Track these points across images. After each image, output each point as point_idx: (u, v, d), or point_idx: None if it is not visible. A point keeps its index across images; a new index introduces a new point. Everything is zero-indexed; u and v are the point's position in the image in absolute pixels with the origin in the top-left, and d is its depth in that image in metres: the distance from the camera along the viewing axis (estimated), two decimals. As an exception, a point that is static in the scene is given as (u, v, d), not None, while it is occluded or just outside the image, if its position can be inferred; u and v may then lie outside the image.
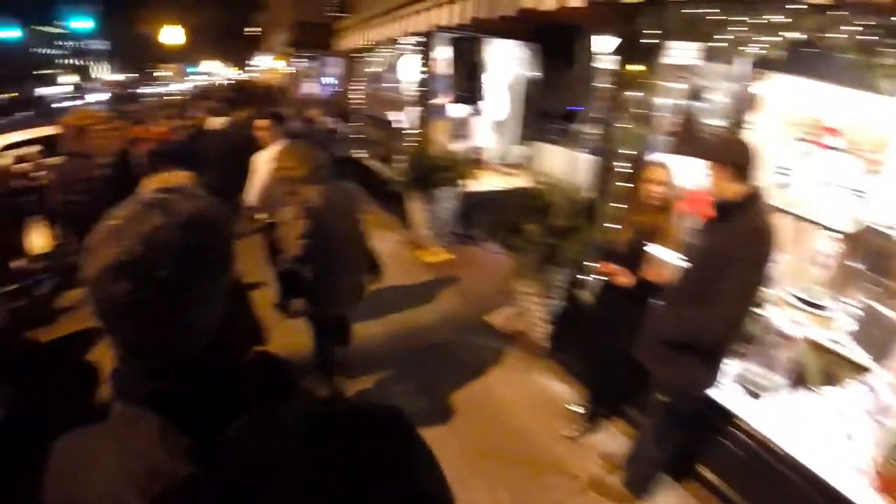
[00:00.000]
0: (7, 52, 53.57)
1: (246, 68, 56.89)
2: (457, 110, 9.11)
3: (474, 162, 7.10)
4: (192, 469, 0.70)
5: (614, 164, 4.09)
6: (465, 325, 5.51)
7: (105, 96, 51.22)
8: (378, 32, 7.24)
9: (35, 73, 61.72)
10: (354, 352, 4.54)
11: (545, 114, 5.00)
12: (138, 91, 47.99)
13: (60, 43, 71.44)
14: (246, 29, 50.51)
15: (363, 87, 10.23)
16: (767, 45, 3.06)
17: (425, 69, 6.96)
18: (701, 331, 2.67)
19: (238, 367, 0.80)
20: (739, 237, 2.53)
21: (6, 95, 47.33)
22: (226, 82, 43.04)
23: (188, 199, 0.75)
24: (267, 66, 35.98)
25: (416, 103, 7.44)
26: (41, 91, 56.98)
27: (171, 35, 27.55)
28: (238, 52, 58.86)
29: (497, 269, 6.58)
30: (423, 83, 7.01)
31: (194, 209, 0.74)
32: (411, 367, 4.80)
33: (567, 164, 9.53)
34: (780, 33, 2.94)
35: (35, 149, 9.33)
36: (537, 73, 9.76)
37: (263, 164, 4.65)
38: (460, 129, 9.58)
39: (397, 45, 8.00)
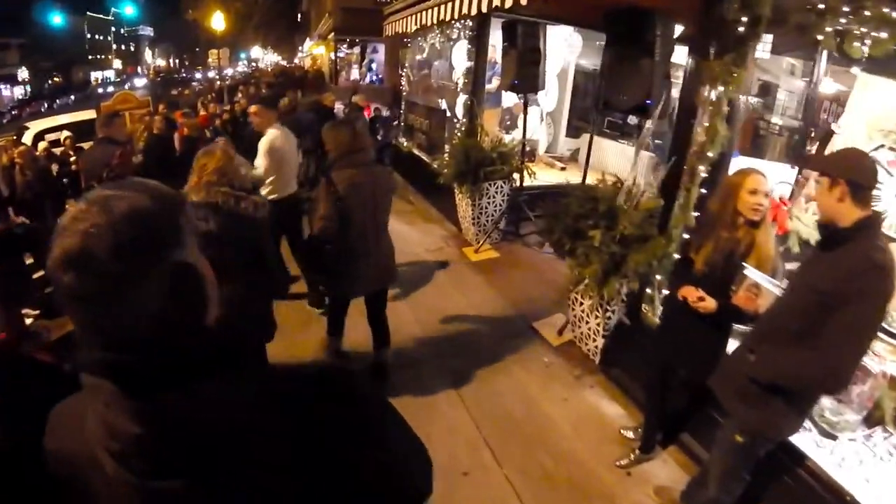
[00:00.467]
0: (67, 38, 55.13)
1: (291, 54, 57.39)
2: (509, 99, 8.69)
3: (526, 154, 6.60)
4: (139, 430, 0.78)
5: (693, 166, 3.63)
6: (510, 331, 5.12)
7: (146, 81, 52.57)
8: (428, 16, 6.86)
9: (90, 58, 63.94)
10: (391, 351, 4.33)
11: (605, 105, 4.50)
12: (185, 76, 48.74)
13: (114, 29, 73.65)
14: (296, 15, 50.98)
15: (411, 74, 9.81)
16: (873, 42, 2.61)
17: (478, 55, 6.54)
18: (801, 376, 2.28)
19: (188, 341, 0.85)
20: (854, 271, 2.07)
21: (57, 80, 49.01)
22: (269, 68, 43.45)
23: (131, 195, 0.82)
24: (312, 52, 36.00)
25: (467, 91, 7.03)
26: (95, 75, 58.84)
27: (218, 21, 27.61)
28: (285, 38, 59.46)
29: (547, 271, 6.19)
30: (475, 70, 6.59)
31: (132, 205, 0.80)
32: (448, 374, 4.43)
33: (623, 162, 9.06)
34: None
35: (65, 134, 9.43)
36: (593, 62, 9.35)
37: (262, 146, 4.94)
38: (508, 118, 9.16)
39: (449, 30, 7.61)
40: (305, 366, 1.07)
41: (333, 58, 24.61)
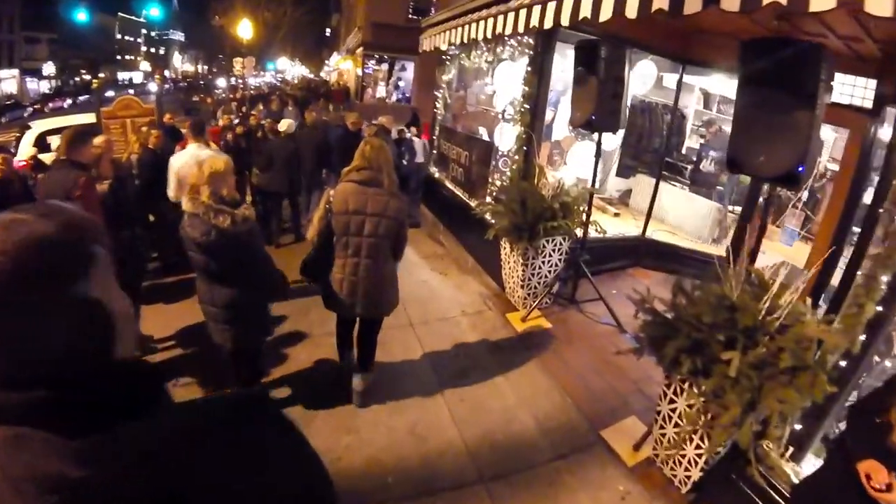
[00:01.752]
0: (96, 37, 55.60)
1: (318, 68, 57.16)
2: (558, 131, 7.57)
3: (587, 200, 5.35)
4: (82, 473, 0.73)
5: (875, 273, 2.51)
6: (572, 442, 3.89)
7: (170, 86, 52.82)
8: (478, 29, 5.79)
9: (119, 58, 64.52)
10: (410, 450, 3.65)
11: (733, 165, 3.33)
12: (209, 83, 48.46)
13: (144, 32, 74.43)
14: (324, 29, 50.75)
15: (447, 96, 8.60)
16: None
17: (540, 80, 5.39)
18: None
19: (101, 375, 0.83)
20: None
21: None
22: (296, 80, 42.97)
23: (35, 221, 0.79)
24: (339, 66, 35.38)
25: (516, 121, 5.85)
26: (123, 76, 59.09)
27: (245, 29, 27.00)
28: (312, 51, 59.31)
29: (608, 350, 4.97)
30: (536, 98, 5.42)
31: (32, 232, 0.77)
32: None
33: (682, 209, 7.88)
34: None
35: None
36: (653, 95, 8.20)
37: (176, 161, 5.27)
38: (556, 152, 8.02)
39: (500, 48, 6.49)
40: (219, 398, 1.07)
41: (360, 73, 23.70)
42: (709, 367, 2.91)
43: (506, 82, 8.11)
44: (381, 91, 23.90)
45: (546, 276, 5.41)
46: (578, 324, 5.47)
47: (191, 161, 5.09)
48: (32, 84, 44.42)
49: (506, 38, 6.06)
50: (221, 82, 42.52)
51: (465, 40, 6.19)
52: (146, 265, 5.72)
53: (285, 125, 7.97)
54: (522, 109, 5.59)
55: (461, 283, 6.44)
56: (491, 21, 5.41)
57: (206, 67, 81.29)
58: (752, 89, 3.07)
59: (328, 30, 49.66)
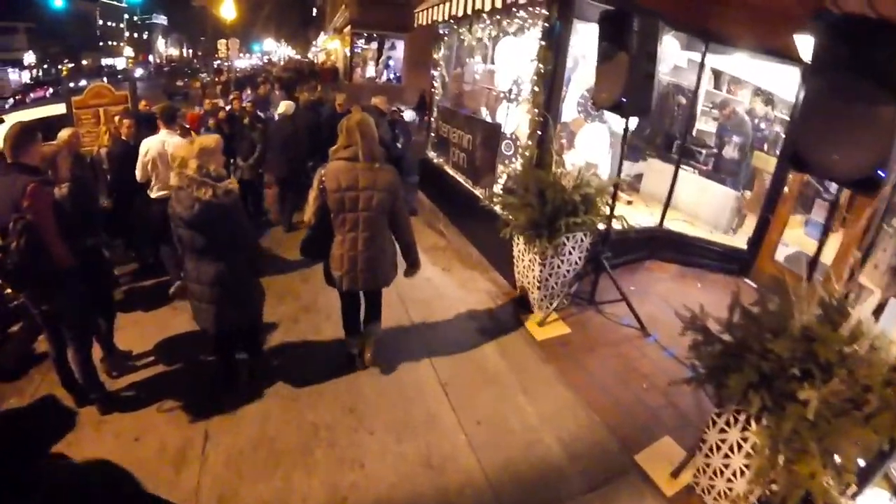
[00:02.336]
0: (76, 23, 54.02)
1: (305, 49, 55.84)
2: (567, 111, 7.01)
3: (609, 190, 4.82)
4: None
5: None
6: (604, 468, 3.44)
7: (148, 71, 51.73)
8: (476, 1, 5.26)
9: (101, 44, 62.81)
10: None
11: (798, 162, 2.83)
12: (196, 67, 47.13)
13: (126, 17, 72.53)
14: (309, 9, 49.36)
15: (445, 74, 7.94)
16: None
17: (557, 55, 4.83)
18: None
19: None
20: None
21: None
22: (282, 62, 41.84)
23: None
24: (326, 46, 34.38)
25: (530, 102, 5.29)
26: (106, 62, 57.55)
27: (228, 9, 26.01)
28: (298, 31, 57.81)
29: (634, 356, 4.55)
30: (552, 76, 4.85)
31: None
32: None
33: (696, 196, 7.36)
34: None
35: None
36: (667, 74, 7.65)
37: (144, 146, 5.11)
38: (564, 136, 7.47)
39: (501, 20, 5.92)
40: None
41: (348, 53, 22.88)
42: (779, 402, 2.43)
43: (509, 59, 7.56)
44: (370, 71, 23.11)
45: (565, 276, 4.92)
46: (599, 327, 5.00)
47: (159, 146, 5.02)
48: (14, 75, 43.20)
49: (514, 10, 5.49)
50: (215, 65, 41.31)
51: (470, 12, 5.64)
52: (115, 275, 5.26)
53: (283, 107, 7.72)
54: (536, 89, 5.04)
55: (466, 279, 5.95)
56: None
57: (190, 51, 79.42)
58: (828, 76, 2.56)
59: (314, 10, 48.30)
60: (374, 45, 22.89)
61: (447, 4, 6.14)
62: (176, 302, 5.20)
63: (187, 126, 7.08)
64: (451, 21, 6.67)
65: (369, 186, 3.53)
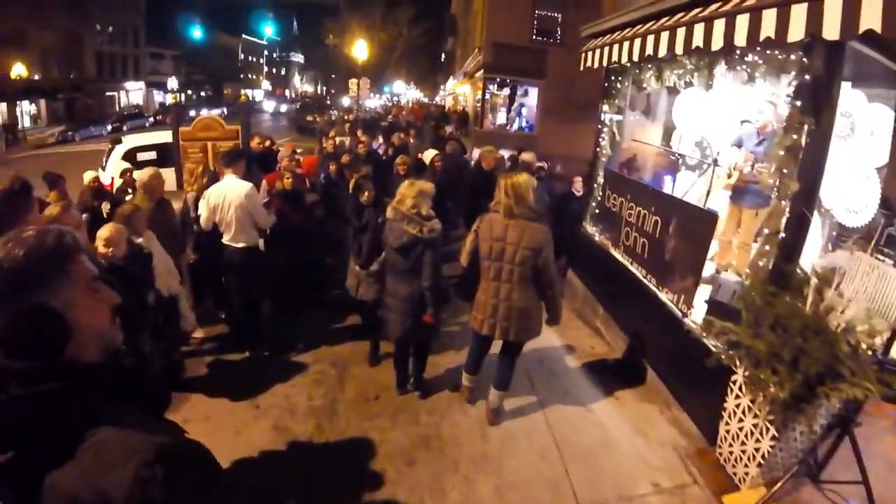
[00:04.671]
0: (219, 55, 59.90)
1: (433, 92, 56.74)
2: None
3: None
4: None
5: None
6: None
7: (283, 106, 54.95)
8: (680, 37, 3.81)
9: (242, 76, 68.42)
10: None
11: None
12: (323, 104, 48.78)
13: (266, 53, 79.32)
14: (439, 54, 50.05)
15: (615, 129, 6.22)
16: None
17: (820, 112, 3.10)
18: None
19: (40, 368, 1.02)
20: None
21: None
22: (410, 105, 42.25)
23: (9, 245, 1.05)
24: (456, 90, 34.10)
25: (781, 190, 3.48)
26: (246, 92, 61.97)
27: (360, 50, 26.28)
28: (427, 75, 58.87)
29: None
30: (815, 139, 3.11)
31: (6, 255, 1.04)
32: None
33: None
34: None
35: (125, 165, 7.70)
36: None
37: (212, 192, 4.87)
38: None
39: (711, 64, 4.32)
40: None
41: (480, 98, 21.94)
42: None
43: (690, 115, 5.95)
44: (500, 118, 22.03)
45: (797, 451, 3.13)
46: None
47: (222, 191, 4.76)
48: (158, 97, 47.75)
49: (736, 51, 3.89)
50: (345, 102, 42.45)
51: (666, 52, 4.15)
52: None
53: (429, 156, 7.81)
54: (785, 171, 3.35)
55: (642, 418, 4.23)
56: (721, 25, 3.36)
57: (323, 88, 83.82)
58: None
59: (443, 55, 48.77)
60: (507, 91, 21.84)
61: (632, 41, 4.68)
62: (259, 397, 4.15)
63: (300, 171, 6.05)
64: (646, 64, 5.18)
65: (515, 242, 3.66)
